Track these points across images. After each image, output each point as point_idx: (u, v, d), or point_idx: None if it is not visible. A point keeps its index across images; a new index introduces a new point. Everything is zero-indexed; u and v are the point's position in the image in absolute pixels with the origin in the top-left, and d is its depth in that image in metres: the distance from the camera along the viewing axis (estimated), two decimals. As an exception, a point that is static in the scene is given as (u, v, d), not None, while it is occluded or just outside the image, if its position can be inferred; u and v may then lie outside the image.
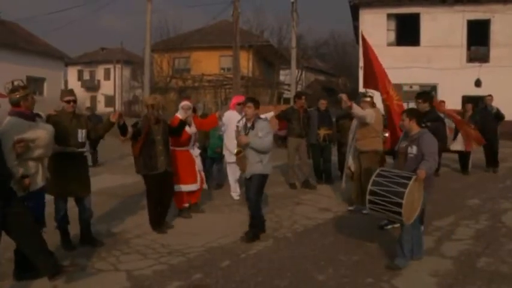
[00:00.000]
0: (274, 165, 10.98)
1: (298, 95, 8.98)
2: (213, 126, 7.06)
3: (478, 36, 20.79)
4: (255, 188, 5.14)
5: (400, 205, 4.07)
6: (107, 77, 46.61)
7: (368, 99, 6.39)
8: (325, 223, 5.90)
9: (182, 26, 62.18)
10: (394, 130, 6.29)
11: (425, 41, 20.99)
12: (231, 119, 6.86)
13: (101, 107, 44.33)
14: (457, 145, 9.66)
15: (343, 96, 6.02)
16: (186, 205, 6.27)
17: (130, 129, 5.23)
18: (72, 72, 47.01)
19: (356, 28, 23.64)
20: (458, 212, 6.55)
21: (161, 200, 5.53)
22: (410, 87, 21.03)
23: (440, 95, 19.81)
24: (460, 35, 20.84)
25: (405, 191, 4.06)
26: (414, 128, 4.56)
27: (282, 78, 36.45)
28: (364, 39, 6.91)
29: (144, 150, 5.30)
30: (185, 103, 6.40)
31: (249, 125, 5.17)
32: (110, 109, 39.89)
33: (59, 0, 58.82)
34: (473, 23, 20.80)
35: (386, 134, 6.66)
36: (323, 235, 5.36)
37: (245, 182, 5.40)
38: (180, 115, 6.28)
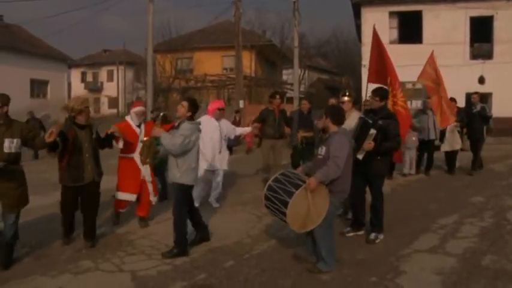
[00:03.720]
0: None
1: (272, 95, 8.36)
2: None
3: (481, 33, 20.67)
4: (175, 199, 4.75)
5: (284, 214, 3.96)
6: (110, 78, 46.66)
7: (346, 98, 6.10)
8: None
9: (184, 27, 62.32)
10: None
11: (428, 38, 20.87)
12: (207, 125, 6.40)
13: (105, 109, 44.45)
14: (445, 146, 9.55)
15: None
16: (121, 210, 5.88)
17: (60, 145, 4.61)
18: (75, 74, 47.11)
19: (358, 26, 23.58)
20: (463, 210, 6.53)
21: (84, 211, 5.01)
22: (413, 85, 20.97)
23: (444, 93, 19.79)
24: (463, 32, 20.73)
25: (289, 201, 3.91)
26: (330, 127, 4.29)
27: (284, 77, 36.46)
28: (376, 34, 7.00)
29: (71, 160, 4.76)
30: (139, 109, 5.84)
31: (176, 124, 4.85)
32: (113, 110, 40.09)
33: (61, 2, 59.10)
34: (476, 19, 20.69)
35: None
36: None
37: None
38: (130, 120, 5.76)
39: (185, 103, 4.76)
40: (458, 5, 20.49)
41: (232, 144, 15.67)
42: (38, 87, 26.92)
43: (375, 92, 5.25)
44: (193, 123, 4.77)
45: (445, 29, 20.53)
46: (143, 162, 5.36)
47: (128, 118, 5.84)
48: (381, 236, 5.14)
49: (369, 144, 4.87)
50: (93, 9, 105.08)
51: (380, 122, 4.97)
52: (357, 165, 5.11)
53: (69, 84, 38.72)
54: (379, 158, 4.98)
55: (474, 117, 9.53)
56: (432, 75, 8.24)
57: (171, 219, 6.12)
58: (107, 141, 5.24)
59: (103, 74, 48.06)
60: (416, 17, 21.31)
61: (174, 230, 4.72)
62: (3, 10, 44.88)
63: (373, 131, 4.88)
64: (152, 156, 5.23)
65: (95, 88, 47.76)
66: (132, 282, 4.05)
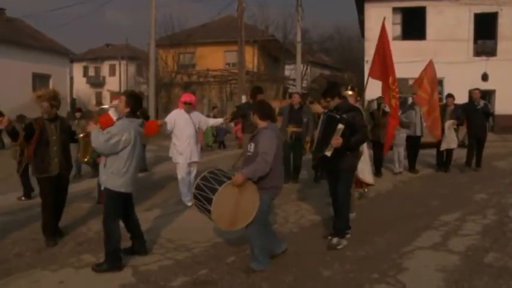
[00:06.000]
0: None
1: (256, 91, 7.73)
2: (151, 133, 6.48)
3: (485, 29, 20.58)
4: (104, 207, 4.27)
5: (209, 212, 3.86)
6: (112, 73, 46.70)
7: (350, 92, 5.97)
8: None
9: (187, 22, 62.26)
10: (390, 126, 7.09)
11: (432, 34, 20.82)
12: (179, 118, 6.53)
13: (107, 103, 44.47)
14: (443, 145, 9.29)
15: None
16: None
17: (22, 133, 4.84)
18: (77, 69, 47.13)
19: (361, 22, 23.47)
20: (465, 207, 6.51)
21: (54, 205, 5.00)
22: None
23: (447, 89, 19.71)
24: (467, 29, 20.65)
25: (213, 198, 3.82)
26: (258, 123, 4.21)
27: (287, 73, 36.39)
28: (384, 29, 7.04)
29: (38, 152, 4.81)
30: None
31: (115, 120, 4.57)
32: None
33: (64, -4, 58.93)
34: (480, 16, 20.60)
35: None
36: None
37: None
38: (112, 114, 5.47)
39: (123, 97, 4.29)
40: (462, 1, 20.40)
41: (221, 139, 15.67)
42: (40, 82, 26.81)
43: (324, 95, 4.92)
44: (131, 120, 4.22)
45: (448, 25, 20.45)
46: (81, 160, 5.20)
47: (110, 112, 5.60)
48: (344, 242, 4.79)
49: (336, 140, 4.57)
50: (96, 3, 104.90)
51: (344, 115, 4.68)
52: (325, 162, 4.88)
53: (72, 79, 38.71)
54: (348, 153, 4.77)
55: (477, 113, 9.31)
56: (426, 86, 8.20)
57: (172, 214, 6.20)
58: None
59: (105, 68, 48.10)
60: (420, 13, 21.23)
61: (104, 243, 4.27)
62: (6, 4, 44.91)
63: (341, 126, 4.60)
64: (91, 153, 5.11)
65: (97, 82, 47.82)
66: (133, 277, 4.04)
